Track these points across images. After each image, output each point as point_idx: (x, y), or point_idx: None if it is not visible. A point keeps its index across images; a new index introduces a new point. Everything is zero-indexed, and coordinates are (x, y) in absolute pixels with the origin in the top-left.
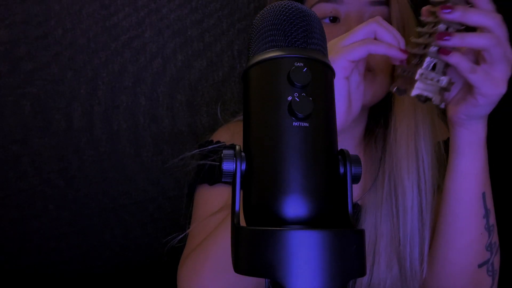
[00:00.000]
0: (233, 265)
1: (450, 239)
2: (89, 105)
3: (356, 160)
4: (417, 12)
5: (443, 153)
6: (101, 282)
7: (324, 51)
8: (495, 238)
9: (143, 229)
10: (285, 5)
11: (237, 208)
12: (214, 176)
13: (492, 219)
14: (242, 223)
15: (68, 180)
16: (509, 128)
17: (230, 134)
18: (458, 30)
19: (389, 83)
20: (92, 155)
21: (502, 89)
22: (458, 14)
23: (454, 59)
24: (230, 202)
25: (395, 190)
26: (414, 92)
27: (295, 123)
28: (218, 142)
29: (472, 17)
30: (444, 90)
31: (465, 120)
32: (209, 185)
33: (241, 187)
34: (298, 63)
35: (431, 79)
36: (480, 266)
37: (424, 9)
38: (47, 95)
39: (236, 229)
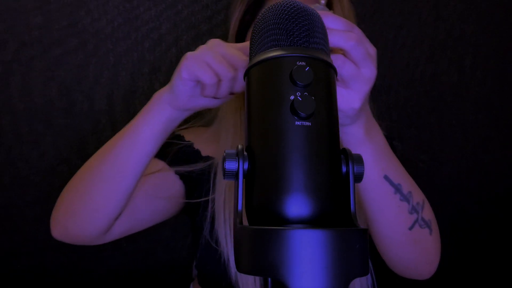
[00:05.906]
0: (236, 264)
1: (374, 217)
2: (110, 89)
3: (358, 159)
4: None
5: None
6: (110, 263)
7: (326, 50)
8: (416, 200)
9: None
10: (287, 4)
11: (239, 207)
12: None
13: (406, 189)
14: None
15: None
16: (508, 128)
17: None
18: None
19: None
20: (109, 136)
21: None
22: None
23: None
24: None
25: None
26: None
27: (297, 122)
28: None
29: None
30: None
31: None
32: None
33: (244, 186)
34: (301, 62)
35: None
36: (410, 228)
37: None
38: (73, 78)
39: (238, 228)
